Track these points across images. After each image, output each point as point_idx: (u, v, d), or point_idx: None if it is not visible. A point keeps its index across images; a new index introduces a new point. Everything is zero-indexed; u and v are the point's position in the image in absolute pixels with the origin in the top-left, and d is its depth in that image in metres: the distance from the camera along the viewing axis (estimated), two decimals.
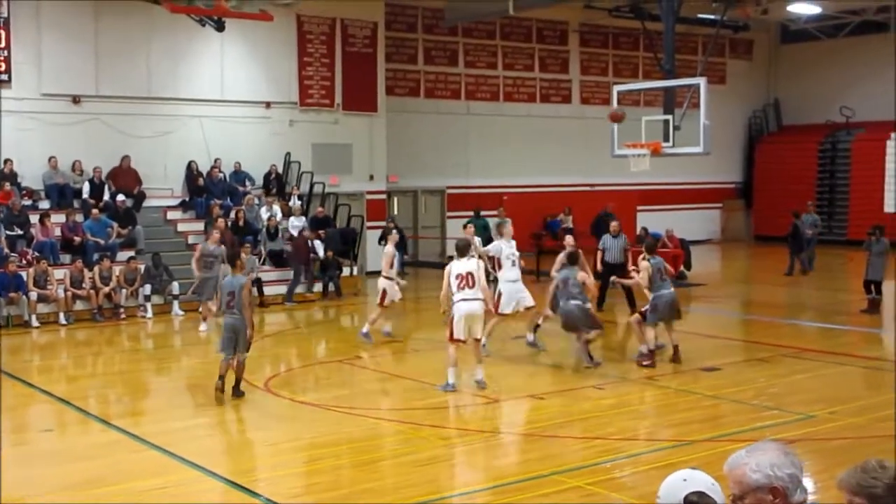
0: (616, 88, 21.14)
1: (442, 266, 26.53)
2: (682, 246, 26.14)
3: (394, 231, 19.41)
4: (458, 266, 13.02)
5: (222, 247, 19.34)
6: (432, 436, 10.93)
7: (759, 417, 11.75)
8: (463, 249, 13.22)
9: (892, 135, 33.78)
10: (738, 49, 38.38)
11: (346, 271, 24.14)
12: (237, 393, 12.75)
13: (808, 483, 3.32)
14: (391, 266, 17.02)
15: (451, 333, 12.91)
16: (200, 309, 19.30)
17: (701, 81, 18.81)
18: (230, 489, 9.29)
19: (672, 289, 14.82)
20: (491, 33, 32.41)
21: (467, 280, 12.81)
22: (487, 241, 25.50)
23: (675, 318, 14.83)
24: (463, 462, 10.09)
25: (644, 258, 15.16)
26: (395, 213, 29.51)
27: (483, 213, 26.85)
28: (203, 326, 18.78)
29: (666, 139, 19.33)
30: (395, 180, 29.48)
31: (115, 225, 22.20)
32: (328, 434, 11.21)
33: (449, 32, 31.29)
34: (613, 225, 20.50)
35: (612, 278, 17.39)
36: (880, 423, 11.05)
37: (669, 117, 19.32)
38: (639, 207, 33.29)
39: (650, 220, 30.23)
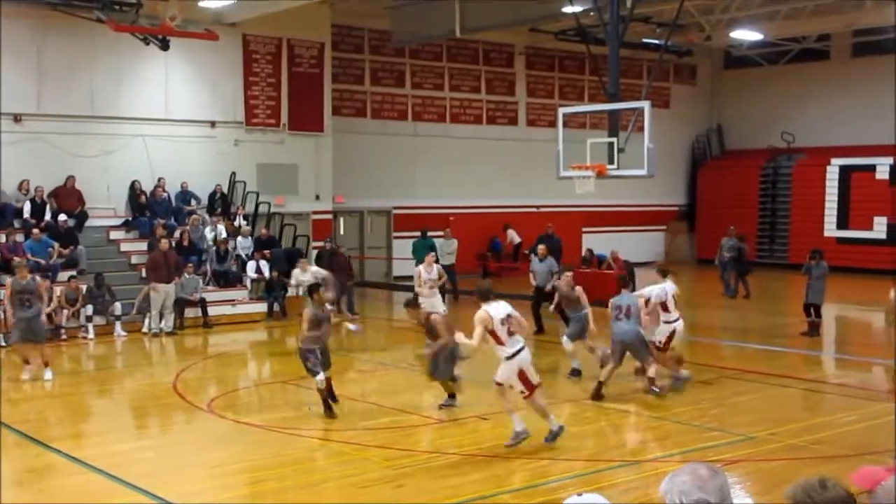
0: (561, 111, 21.29)
1: (389, 286, 26.68)
2: (627, 267, 26.33)
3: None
4: (496, 310, 11.19)
5: (36, 280, 16.56)
6: (377, 457, 10.90)
7: (701, 438, 11.86)
8: (487, 293, 11.49)
9: (832, 160, 34.50)
10: (682, 74, 38.93)
11: (291, 291, 23.98)
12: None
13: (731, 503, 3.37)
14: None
15: (529, 383, 11.28)
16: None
17: (645, 105, 19.01)
18: None
19: (630, 327, 14.10)
20: (438, 55, 32.55)
21: (511, 323, 11.23)
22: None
23: (638, 357, 14.31)
24: (407, 483, 10.06)
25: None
26: (342, 233, 29.43)
27: (430, 233, 26.86)
28: (26, 375, 15.86)
29: (611, 161, 19.50)
30: (341, 201, 29.43)
31: (57, 245, 21.90)
32: (272, 455, 11.12)
33: (396, 53, 31.38)
34: (540, 248, 20.48)
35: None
36: (817, 446, 11.21)
37: (614, 140, 19.49)
38: (584, 229, 33.54)
39: (595, 242, 30.50)
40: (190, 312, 21.78)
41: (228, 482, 10.41)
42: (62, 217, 22.74)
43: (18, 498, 9.53)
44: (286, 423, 12.59)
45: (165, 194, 25.02)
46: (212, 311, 22.08)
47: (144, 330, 20.70)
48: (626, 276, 15.85)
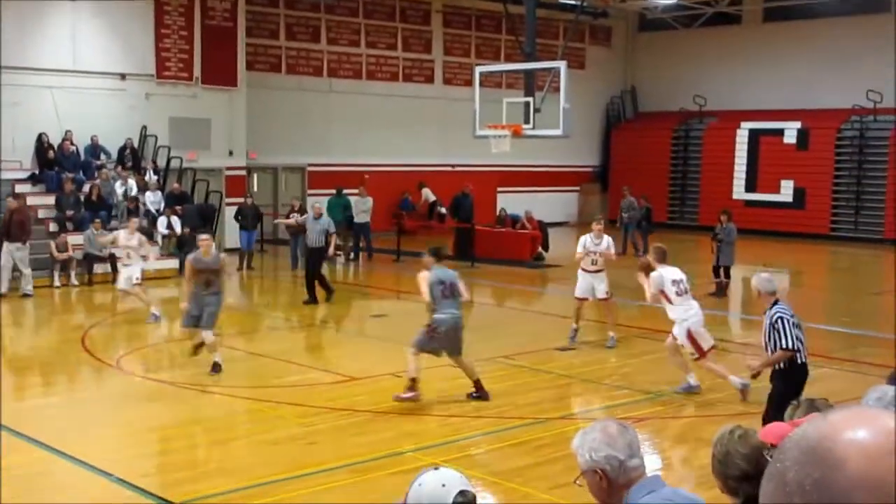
0: (478, 70, 21.32)
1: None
2: (541, 228, 26.61)
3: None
4: (669, 273, 12.15)
5: None
6: (289, 414, 10.90)
7: (610, 396, 12.09)
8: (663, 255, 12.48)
9: (742, 124, 35.13)
10: (598, 35, 39.16)
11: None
12: None
13: (641, 458, 3.47)
14: None
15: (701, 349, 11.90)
16: None
17: (561, 65, 19.16)
18: (80, 469, 9.08)
19: (457, 311, 11.51)
20: (354, 11, 32.23)
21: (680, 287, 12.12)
22: (349, 220, 25.68)
23: (455, 352, 11.64)
24: (320, 440, 10.08)
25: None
26: (255, 189, 29.13)
27: (345, 191, 26.74)
28: None
29: (526, 121, 19.61)
30: (254, 157, 29.08)
31: (10, 199, 21.24)
32: (182, 413, 11.05)
33: (311, 8, 31.00)
34: (316, 206, 19.46)
35: None
36: (725, 403, 11.50)
37: (530, 100, 19.61)
38: (499, 189, 33.69)
39: (510, 202, 30.69)
40: (99, 269, 21.40)
41: (137, 440, 10.32)
42: None
43: None
44: (197, 380, 12.49)
45: (74, 148, 24.45)
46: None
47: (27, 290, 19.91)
48: (438, 248, 12.12)
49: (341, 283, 23.90)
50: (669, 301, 12.03)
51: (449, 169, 33.06)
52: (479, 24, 35.51)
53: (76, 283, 20.98)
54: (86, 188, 23.06)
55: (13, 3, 23.54)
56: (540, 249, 25.67)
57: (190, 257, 12.98)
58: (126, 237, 17.56)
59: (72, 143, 24.40)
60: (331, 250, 18.40)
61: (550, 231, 27.84)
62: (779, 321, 8.68)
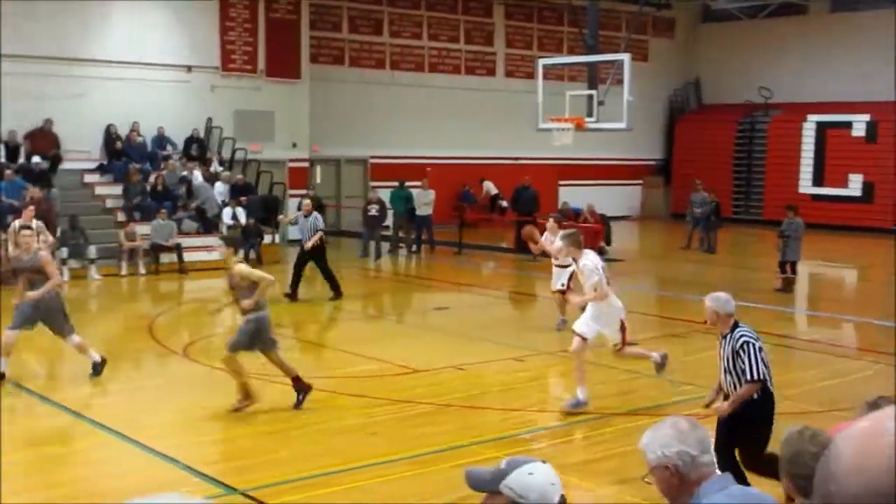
0: (541, 62, 21.22)
1: (360, 235, 26.62)
2: (603, 221, 26.43)
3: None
4: (597, 259, 11.27)
5: None
6: (351, 405, 10.94)
7: (673, 392, 11.96)
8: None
9: (808, 116, 34.59)
10: (661, 27, 38.78)
11: (267, 239, 23.95)
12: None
13: (712, 455, 3.43)
14: None
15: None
16: None
17: (625, 57, 19.01)
18: (145, 454, 9.20)
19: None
20: (416, 3, 32.28)
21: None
22: (411, 212, 25.75)
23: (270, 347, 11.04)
24: (381, 431, 10.11)
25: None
26: (318, 181, 29.31)
27: (407, 184, 26.80)
28: None
29: (589, 114, 19.49)
30: (317, 149, 29.26)
31: (30, 187, 21.70)
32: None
33: (374, 1, 31.10)
34: (305, 204, 18.85)
35: None
36: (788, 401, 11.32)
37: (593, 92, 19.48)
38: (560, 182, 33.55)
39: (571, 195, 30.52)
40: (165, 258, 21.73)
41: (200, 426, 10.43)
42: (36, 159, 22.55)
43: None
44: (261, 369, 12.58)
45: (141, 139, 24.83)
46: (187, 256, 21.99)
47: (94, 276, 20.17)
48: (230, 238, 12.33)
49: (403, 276, 24.01)
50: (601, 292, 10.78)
51: (510, 162, 32.98)
52: (542, 16, 35.36)
53: (143, 271, 21.29)
54: (152, 178, 23.38)
55: (80, 2, 23.94)
56: (602, 243, 25.49)
57: (11, 254, 12.45)
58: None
59: (139, 135, 24.78)
60: (309, 244, 17.86)
61: (613, 225, 27.64)
62: (745, 346, 7.42)
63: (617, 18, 34.86)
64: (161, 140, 25.27)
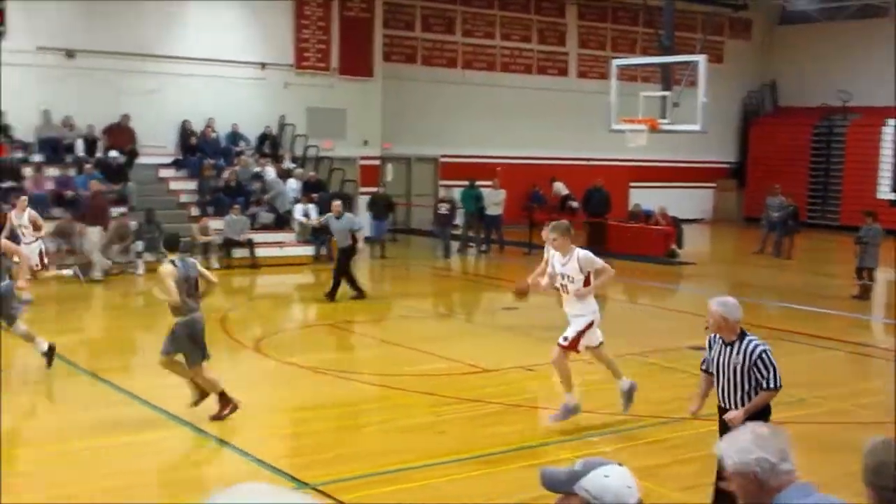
0: (615, 63, 21.08)
1: (431, 234, 26.68)
2: (675, 224, 26.18)
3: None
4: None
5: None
6: (420, 403, 10.97)
7: None
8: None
9: (888, 120, 33.87)
10: (737, 28, 38.26)
11: None
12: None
13: (792, 463, 3.36)
14: None
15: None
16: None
17: (700, 59, 18.80)
18: (217, 446, 9.32)
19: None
20: (489, 2, 32.26)
21: None
22: (481, 212, 25.73)
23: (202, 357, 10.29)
24: (450, 430, 10.11)
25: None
26: (390, 178, 29.42)
27: (477, 183, 26.78)
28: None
29: (663, 116, 19.31)
30: (388, 147, 29.39)
31: (92, 180, 21.92)
32: (315, 397, 11.23)
33: (447, 0, 31.13)
34: (335, 205, 18.23)
35: None
36: (864, 410, 11.12)
37: (668, 94, 19.29)
38: (631, 184, 33.27)
39: (642, 197, 30.28)
40: (238, 253, 22.00)
41: (270, 420, 10.54)
42: (113, 153, 22.96)
43: (75, 425, 9.70)
44: (331, 365, 12.69)
45: (215, 135, 25.16)
46: (259, 252, 22.24)
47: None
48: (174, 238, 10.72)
49: (472, 275, 24.01)
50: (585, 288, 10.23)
51: (580, 162, 32.78)
52: (615, 16, 35.11)
53: (216, 266, 21.54)
54: (225, 174, 23.67)
55: None
56: (673, 246, 25.26)
57: None
58: (17, 216, 17.21)
59: (213, 131, 25.10)
60: (360, 245, 17.72)
61: (684, 228, 27.36)
62: (764, 355, 7.08)
63: (692, 19, 34.47)
64: (235, 136, 25.58)
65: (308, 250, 23.36)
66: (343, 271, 17.73)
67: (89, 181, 21.28)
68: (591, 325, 10.36)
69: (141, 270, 20.55)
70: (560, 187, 32.11)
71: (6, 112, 22.37)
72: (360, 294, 17.84)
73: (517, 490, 8.16)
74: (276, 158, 25.61)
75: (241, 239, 22.00)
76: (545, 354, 13.51)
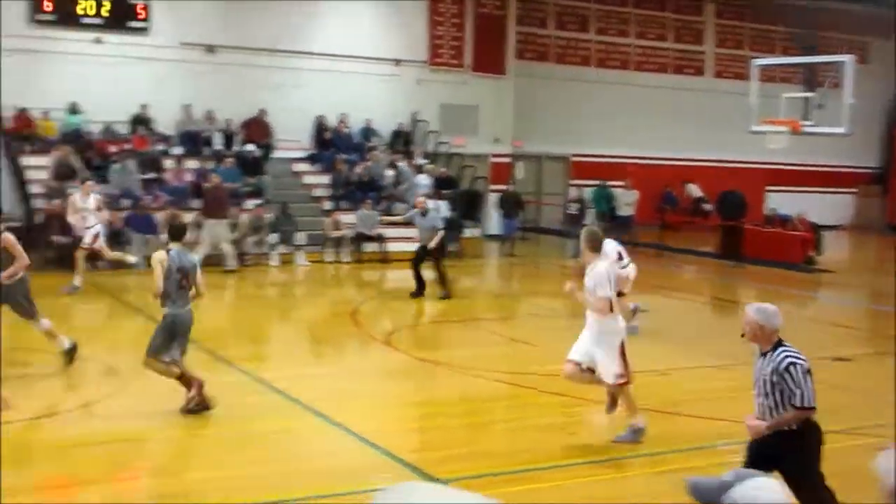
0: (755, 63, 20.55)
1: (560, 233, 26.45)
2: (813, 230, 25.36)
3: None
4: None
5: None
6: (551, 403, 10.85)
7: (885, 414, 11.31)
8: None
9: None
10: (882, 27, 36.82)
11: (468, 233, 24.13)
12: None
13: None
14: None
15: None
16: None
17: (847, 59, 18.18)
18: (348, 437, 9.37)
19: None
20: (623, 0, 31.86)
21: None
22: (611, 211, 25.43)
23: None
24: (580, 432, 9.99)
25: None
26: (521, 176, 29.32)
27: (608, 183, 26.47)
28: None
29: (805, 117, 18.74)
30: (519, 145, 29.29)
31: (209, 174, 22.22)
32: (445, 393, 11.23)
33: None
34: (418, 200, 18.09)
35: None
36: None
37: (811, 95, 18.72)
38: (767, 187, 32.42)
39: (779, 201, 29.49)
40: (368, 247, 22.21)
41: (398, 413, 10.58)
42: (250, 147, 23.46)
43: (207, 412, 9.88)
44: (461, 361, 12.67)
45: (348, 130, 25.48)
46: (389, 246, 22.40)
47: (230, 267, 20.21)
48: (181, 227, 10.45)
49: None
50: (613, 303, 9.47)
51: (715, 164, 32.10)
52: (755, 14, 34.24)
53: (347, 259, 21.82)
54: (358, 169, 23.94)
55: None
56: (812, 253, 24.48)
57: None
58: (82, 199, 17.38)
59: (346, 126, 25.42)
60: (433, 243, 17.32)
61: (824, 234, 26.50)
62: (791, 368, 6.45)
63: (834, 18, 33.38)
64: (368, 132, 25.86)
65: None
66: (420, 267, 17.40)
67: (210, 175, 21.38)
68: (622, 346, 9.47)
69: (275, 262, 20.93)
70: (693, 189, 31.53)
71: (149, 105, 23.07)
72: (447, 294, 17.48)
73: (648, 495, 7.99)
74: (408, 154, 25.79)
75: (372, 233, 22.21)
76: (675, 359, 13.30)
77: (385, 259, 21.97)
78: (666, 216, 27.43)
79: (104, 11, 23.11)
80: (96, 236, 16.96)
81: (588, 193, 25.98)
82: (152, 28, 23.48)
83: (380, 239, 22.23)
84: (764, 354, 6.63)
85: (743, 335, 6.75)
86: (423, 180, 24.56)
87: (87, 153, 21.76)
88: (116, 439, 9.02)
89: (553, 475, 8.57)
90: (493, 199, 26.53)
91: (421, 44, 27.06)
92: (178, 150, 23.06)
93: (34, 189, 20.73)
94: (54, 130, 22.28)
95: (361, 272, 21.17)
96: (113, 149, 22.11)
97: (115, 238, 19.42)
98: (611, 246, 12.78)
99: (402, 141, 26.18)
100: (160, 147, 22.88)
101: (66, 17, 22.86)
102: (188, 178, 22.07)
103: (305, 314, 17.03)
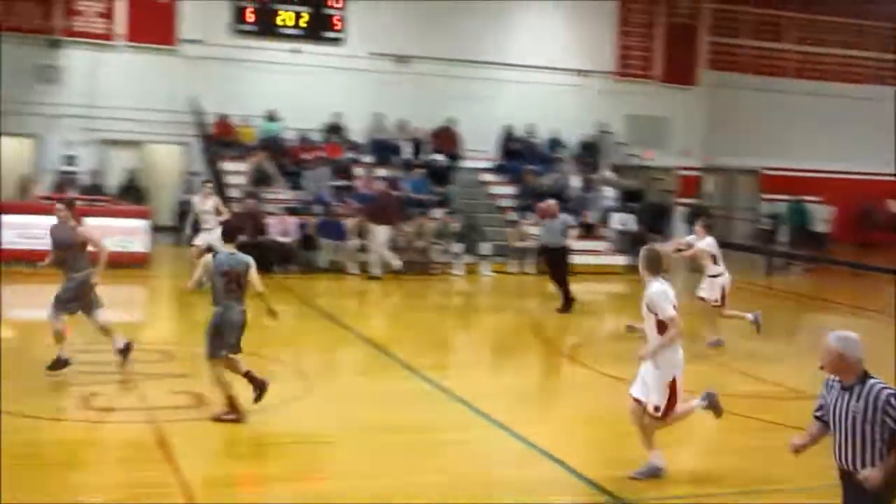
0: None
1: (751, 249, 25.60)
2: None
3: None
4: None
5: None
6: (743, 428, 10.44)
7: None
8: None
9: None
10: None
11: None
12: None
13: None
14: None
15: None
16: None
17: None
18: (529, 450, 9.24)
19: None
20: (821, 9, 30.66)
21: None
22: (802, 227, 24.53)
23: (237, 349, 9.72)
24: (777, 457, 9.54)
25: None
26: (710, 190, 28.62)
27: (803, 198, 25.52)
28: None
29: None
30: (708, 159, 28.53)
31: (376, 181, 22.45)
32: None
33: (777, 5, 29.87)
34: (551, 204, 18.15)
35: None
36: None
37: None
38: None
39: None
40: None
41: (583, 430, 10.37)
42: (437, 157, 23.70)
43: (386, 417, 9.93)
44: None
45: (535, 140, 25.41)
46: (575, 259, 22.13)
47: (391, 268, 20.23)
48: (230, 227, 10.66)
49: (794, 293, 22.81)
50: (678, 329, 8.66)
51: None
52: None
53: (532, 271, 21.69)
54: (545, 180, 23.83)
55: (483, 4, 24.92)
56: None
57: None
58: (201, 202, 17.46)
59: (534, 136, 25.36)
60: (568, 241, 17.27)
61: None
62: (893, 400, 5.65)
63: None
64: (555, 142, 25.73)
65: (621, 260, 23.07)
66: (559, 278, 17.32)
67: (377, 181, 21.58)
68: (674, 381, 8.64)
69: (460, 271, 21.02)
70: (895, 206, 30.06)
71: (342, 114, 23.63)
72: (567, 304, 17.22)
73: None
74: (595, 166, 25.51)
75: (558, 246, 21.96)
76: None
77: (570, 271, 21.72)
78: (865, 234, 26.22)
79: (302, 23, 23.90)
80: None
81: (782, 208, 25.10)
82: (347, 39, 24.06)
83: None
84: (847, 389, 5.85)
85: (822, 367, 6.00)
86: (609, 193, 24.27)
87: (283, 159, 22.47)
88: (304, 441, 9.18)
89: (745, 499, 8.25)
90: (680, 212, 25.95)
91: (606, 54, 26.84)
92: (368, 159, 23.50)
93: (232, 193, 21.49)
94: (253, 137, 23.11)
95: (545, 284, 21.01)
96: (306, 156, 22.76)
97: (306, 243, 19.97)
98: (709, 241, 14.58)
99: (589, 152, 25.91)
100: (351, 155, 23.38)
101: (266, 27, 23.73)
102: (378, 186, 22.44)
103: (488, 324, 17.03)
